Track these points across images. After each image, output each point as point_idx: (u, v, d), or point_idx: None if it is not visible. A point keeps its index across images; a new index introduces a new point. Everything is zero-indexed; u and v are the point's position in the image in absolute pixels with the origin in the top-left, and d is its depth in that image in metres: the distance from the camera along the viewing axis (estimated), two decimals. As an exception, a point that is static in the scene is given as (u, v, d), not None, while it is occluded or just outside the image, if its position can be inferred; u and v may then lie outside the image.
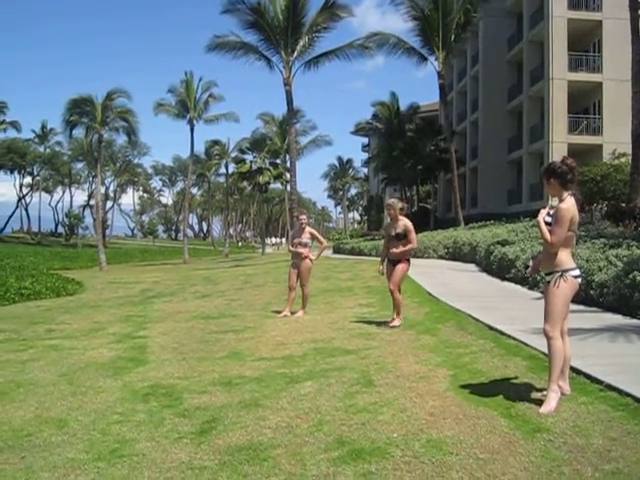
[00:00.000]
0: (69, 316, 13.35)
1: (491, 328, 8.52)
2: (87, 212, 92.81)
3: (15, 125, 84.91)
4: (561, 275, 5.15)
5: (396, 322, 9.45)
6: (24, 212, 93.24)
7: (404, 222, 9.49)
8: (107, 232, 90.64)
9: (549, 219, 5.20)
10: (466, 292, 13.30)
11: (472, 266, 19.93)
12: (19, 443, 5.02)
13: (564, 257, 5.18)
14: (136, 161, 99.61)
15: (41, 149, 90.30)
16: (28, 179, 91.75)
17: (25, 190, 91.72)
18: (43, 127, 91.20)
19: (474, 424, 4.77)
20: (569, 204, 5.13)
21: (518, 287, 14.01)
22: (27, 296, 19.55)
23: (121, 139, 61.87)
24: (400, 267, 9.53)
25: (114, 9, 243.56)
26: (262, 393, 6.03)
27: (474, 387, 5.76)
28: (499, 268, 16.22)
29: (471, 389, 5.71)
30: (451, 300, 11.56)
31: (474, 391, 5.63)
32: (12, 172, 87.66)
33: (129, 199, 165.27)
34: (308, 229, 11.58)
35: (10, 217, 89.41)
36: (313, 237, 11.63)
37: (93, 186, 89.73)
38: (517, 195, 40.54)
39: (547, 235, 5.14)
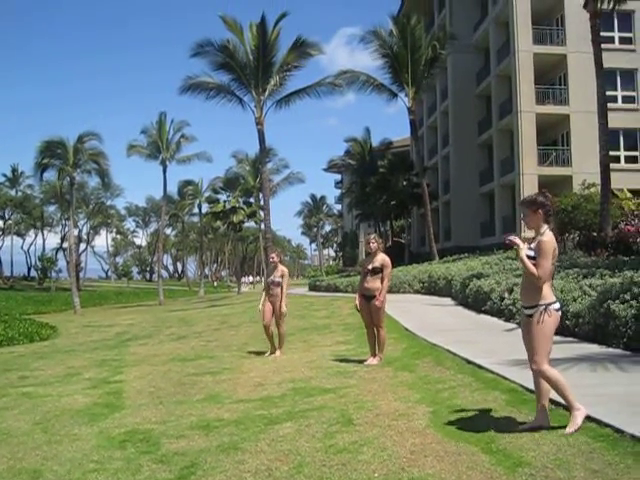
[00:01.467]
0: (43, 362, 13.15)
1: (469, 362, 8.52)
2: (60, 255, 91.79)
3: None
4: (545, 309, 5.17)
5: (375, 360, 9.43)
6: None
7: (382, 257, 9.48)
8: (81, 275, 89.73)
9: (531, 253, 5.24)
10: (443, 326, 13.32)
11: (448, 300, 19.97)
12: (-9, 496, 4.91)
13: (546, 290, 5.21)
14: (109, 203, 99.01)
15: (12, 192, 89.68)
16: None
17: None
18: (14, 170, 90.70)
19: (455, 461, 4.74)
20: (550, 237, 5.22)
21: (494, 319, 14.05)
22: (0, 342, 19.25)
23: (93, 181, 61.85)
24: (377, 304, 9.43)
25: (84, 52, 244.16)
26: (241, 436, 5.95)
27: (454, 423, 5.74)
28: (475, 301, 16.28)
29: (451, 425, 5.68)
30: (428, 335, 11.56)
31: (454, 427, 5.61)
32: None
33: (102, 241, 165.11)
34: (280, 267, 11.46)
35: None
36: (283, 276, 11.43)
37: (66, 229, 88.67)
38: (490, 228, 40.84)
39: (533, 269, 5.16)
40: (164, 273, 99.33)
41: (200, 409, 7.19)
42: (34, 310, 41.24)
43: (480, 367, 8.07)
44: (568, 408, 5.31)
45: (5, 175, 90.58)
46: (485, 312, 15.12)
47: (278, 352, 11.25)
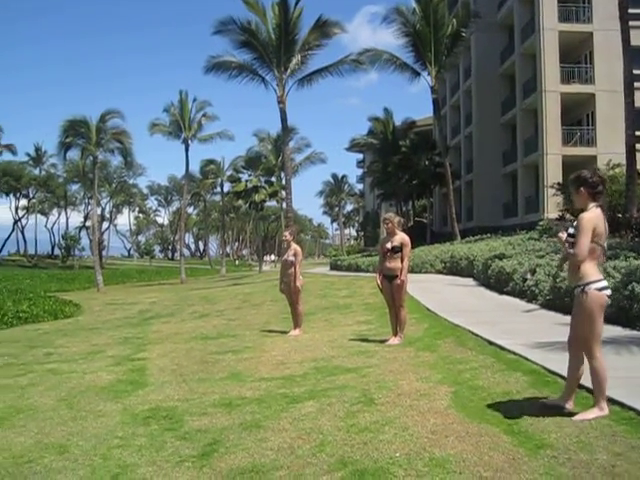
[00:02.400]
0: (67, 339, 13.31)
1: (491, 343, 8.50)
2: (83, 233, 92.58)
3: (10, 148, 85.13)
4: (583, 289, 5.03)
5: (396, 340, 9.43)
6: (20, 235, 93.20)
7: (401, 236, 9.43)
8: (104, 253, 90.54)
9: (572, 230, 5.10)
10: (465, 307, 13.29)
11: (470, 280, 19.91)
12: (19, 470, 4.98)
13: (588, 269, 5.04)
14: (131, 181, 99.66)
15: (36, 171, 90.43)
16: (24, 202, 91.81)
17: (21, 213, 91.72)
18: (37, 150, 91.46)
19: (477, 441, 4.75)
20: (592, 214, 5.02)
21: (516, 300, 13.99)
22: (25, 319, 19.52)
23: (116, 160, 62.02)
24: (398, 283, 9.41)
25: (107, 30, 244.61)
26: (263, 414, 6.00)
27: (476, 404, 5.74)
28: (497, 282, 16.22)
29: (473, 406, 5.68)
30: (450, 315, 11.54)
31: (476, 408, 5.61)
32: (7, 195, 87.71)
33: (125, 220, 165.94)
34: (293, 246, 11.45)
35: (6, 240, 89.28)
36: (296, 254, 11.40)
37: (89, 207, 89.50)
38: (513, 208, 40.58)
39: (568, 249, 5.07)
40: (186, 252, 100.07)
41: (222, 387, 7.25)
42: (58, 288, 41.57)
43: (502, 348, 8.05)
44: (593, 394, 5.26)
45: (29, 154, 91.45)
46: (507, 293, 15.06)
47: (297, 330, 11.30)
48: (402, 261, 9.40)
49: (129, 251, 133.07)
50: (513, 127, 41.84)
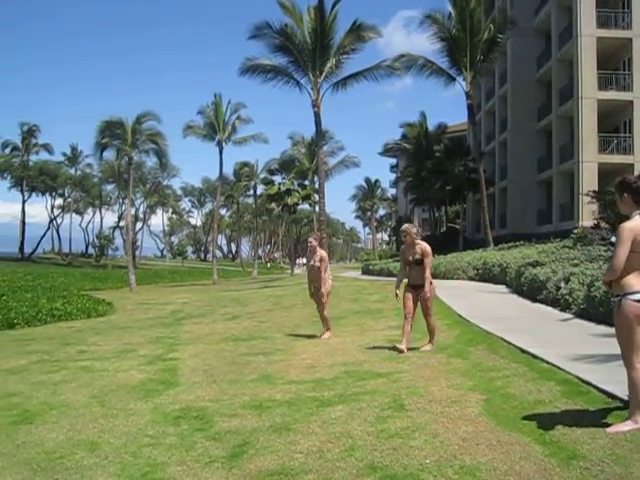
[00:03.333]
0: (100, 337, 13.45)
1: (523, 351, 8.41)
2: (117, 233, 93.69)
3: (47, 148, 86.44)
4: (620, 300, 4.87)
5: (427, 347, 9.36)
6: (55, 233, 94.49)
7: (421, 246, 9.25)
8: (137, 253, 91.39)
9: (614, 239, 4.93)
10: (497, 314, 13.17)
11: (502, 287, 19.75)
12: (52, 465, 5.05)
13: (629, 280, 4.85)
14: (165, 183, 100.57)
15: (72, 171, 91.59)
16: (59, 201, 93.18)
17: (56, 212, 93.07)
18: (73, 149, 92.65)
19: (508, 450, 4.70)
20: (633, 224, 4.82)
21: (550, 309, 13.84)
22: (58, 317, 19.75)
23: (151, 161, 62.56)
24: (427, 292, 9.24)
25: (145, 27, 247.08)
26: (293, 417, 6.00)
27: (507, 412, 5.68)
28: (530, 289, 16.06)
29: (504, 414, 5.63)
30: (482, 322, 11.45)
31: (507, 416, 5.55)
32: (44, 194, 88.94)
33: (158, 220, 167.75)
34: (319, 252, 11.38)
35: (42, 238, 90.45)
36: (322, 260, 11.35)
37: (123, 207, 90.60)
38: (547, 215, 40.16)
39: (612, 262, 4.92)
40: (218, 253, 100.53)
41: (253, 389, 7.27)
42: (91, 286, 42.01)
43: (535, 357, 7.96)
44: (628, 406, 5.14)
45: (65, 154, 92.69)
46: (540, 301, 14.91)
47: (327, 334, 11.31)
48: (425, 270, 9.26)
49: (162, 252, 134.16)
50: (549, 133, 41.41)
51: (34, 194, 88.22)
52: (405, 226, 9.57)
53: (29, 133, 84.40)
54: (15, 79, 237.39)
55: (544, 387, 6.45)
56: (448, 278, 25.51)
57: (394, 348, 9.21)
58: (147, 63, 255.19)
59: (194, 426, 5.91)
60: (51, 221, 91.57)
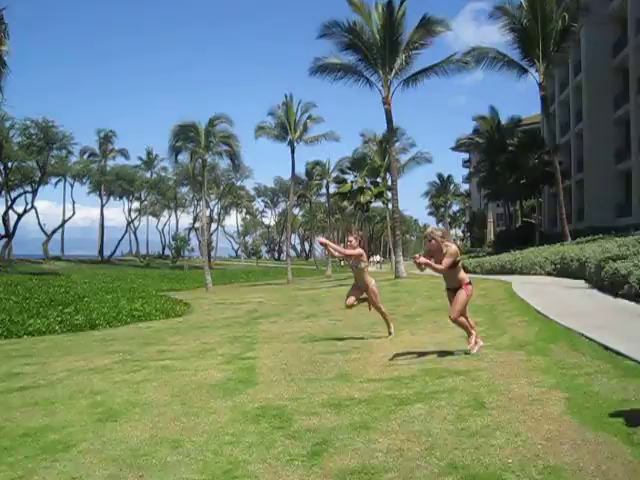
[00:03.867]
0: (179, 337, 13.72)
1: (606, 348, 8.17)
2: (192, 234, 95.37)
3: (123, 153, 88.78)
4: None
5: (475, 347, 8.87)
6: (133, 236, 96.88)
7: (449, 251, 8.52)
8: (212, 254, 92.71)
9: None
10: (577, 310, 12.86)
11: (581, 282, 19.26)
12: (137, 462, 5.18)
13: None
14: (239, 184, 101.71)
15: (148, 175, 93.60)
16: (136, 204, 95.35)
17: (133, 214, 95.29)
18: (149, 153, 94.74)
19: (593, 450, 4.58)
20: None
21: (632, 304, 13.41)
22: (138, 317, 20.24)
23: (224, 163, 63.31)
24: (461, 294, 8.74)
25: (209, 41, 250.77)
26: (372, 415, 6.00)
27: (591, 411, 5.53)
28: (611, 284, 15.63)
29: (588, 413, 5.48)
30: (561, 318, 11.18)
31: (592, 415, 5.41)
32: (121, 198, 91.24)
33: (232, 221, 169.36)
34: (357, 250, 11.10)
35: (120, 241, 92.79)
36: (360, 258, 11.12)
37: (198, 209, 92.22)
38: (626, 208, 39.06)
39: None
40: (292, 252, 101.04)
41: (331, 387, 7.29)
42: (168, 287, 42.87)
43: (618, 354, 7.73)
44: None
45: (141, 158, 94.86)
46: (622, 296, 14.47)
47: (391, 329, 11.32)
48: (459, 271, 8.76)
49: (236, 252, 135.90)
50: (627, 123, 40.25)
51: (112, 198, 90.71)
52: (429, 230, 8.98)
53: (106, 139, 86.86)
54: (92, 87, 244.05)
55: (630, 385, 6.26)
56: (525, 274, 25.07)
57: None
58: (217, 63, 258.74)
59: (274, 424, 5.96)
60: (128, 224, 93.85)
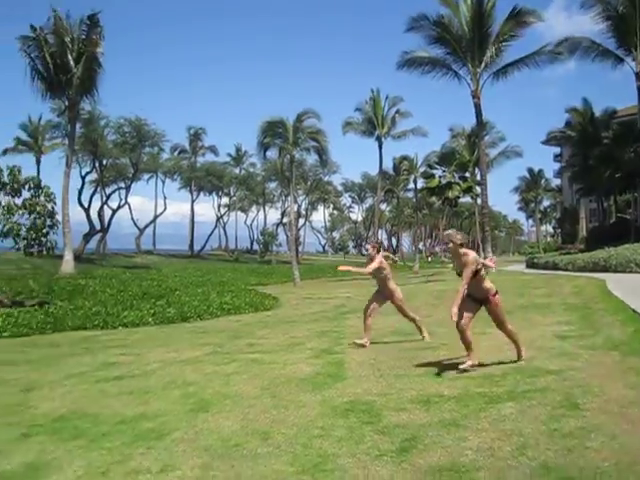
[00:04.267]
0: (268, 331, 13.90)
1: None
2: (280, 229, 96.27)
3: (213, 149, 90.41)
4: None
5: (468, 363, 7.98)
6: (222, 231, 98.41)
7: (465, 257, 7.78)
8: (299, 248, 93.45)
9: None
10: (676, 309, 12.38)
11: (682, 280, 18.56)
12: (228, 452, 5.30)
13: None
14: (326, 179, 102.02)
15: (237, 171, 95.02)
16: (225, 199, 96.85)
17: (223, 210, 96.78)
18: (238, 150, 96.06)
19: (696, 456, 4.43)
20: None
21: None
22: (228, 311, 20.58)
23: (312, 158, 63.68)
24: (493, 308, 8.04)
25: (300, 32, 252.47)
26: (461, 412, 5.95)
27: (694, 414, 5.35)
28: None
29: (692, 416, 5.30)
30: (660, 318, 10.81)
31: (695, 419, 5.23)
32: (211, 193, 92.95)
33: (320, 216, 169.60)
34: (377, 259, 10.53)
35: (209, 236, 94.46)
36: (380, 267, 10.50)
37: (286, 204, 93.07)
38: None
39: None
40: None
41: (420, 383, 7.26)
42: (257, 281, 43.34)
43: None
44: None
45: (230, 154, 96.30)
46: None
47: (426, 334, 11.00)
48: (482, 280, 7.92)
49: (324, 247, 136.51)
50: None
51: (202, 194, 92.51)
52: (448, 232, 8.25)
53: (196, 136, 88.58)
54: (183, 86, 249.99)
55: None
56: (619, 271, 24.31)
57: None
58: (307, 67, 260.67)
59: (362, 419, 5.99)
60: (218, 219, 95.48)
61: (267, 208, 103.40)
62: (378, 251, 10.79)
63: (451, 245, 7.91)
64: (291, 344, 11.24)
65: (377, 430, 5.62)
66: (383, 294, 10.84)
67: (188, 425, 6.17)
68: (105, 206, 66.87)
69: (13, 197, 19.89)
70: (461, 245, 7.88)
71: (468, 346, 8.04)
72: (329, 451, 5.18)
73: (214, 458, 5.19)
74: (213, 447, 5.46)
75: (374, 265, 10.42)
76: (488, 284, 7.96)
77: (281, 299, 25.76)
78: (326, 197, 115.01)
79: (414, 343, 10.46)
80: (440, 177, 56.63)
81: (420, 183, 68.51)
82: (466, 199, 65.03)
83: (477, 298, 7.99)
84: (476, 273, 7.77)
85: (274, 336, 12.72)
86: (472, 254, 7.81)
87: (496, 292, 8.02)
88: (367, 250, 10.95)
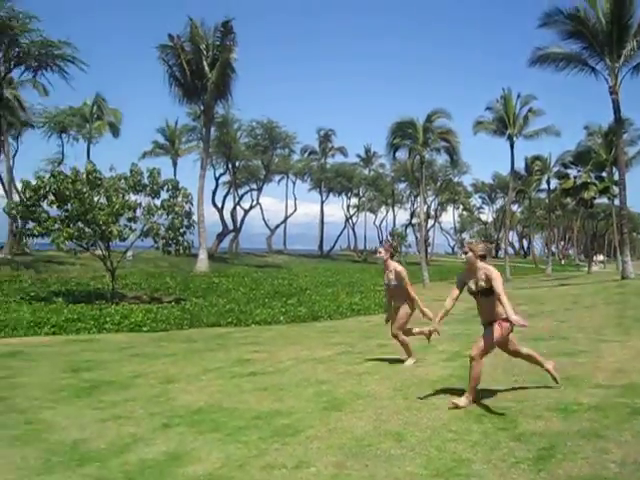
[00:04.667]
0: (398, 332, 13.84)
1: None
2: (409, 230, 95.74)
3: (342, 150, 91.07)
4: None
5: (463, 401, 6.68)
6: (351, 231, 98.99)
7: (485, 270, 6.73)
8: (429, 250, 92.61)
9: None
10: None
11: None
12: (361, 452, 5.34)
13: None
14: (456, 180, 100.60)
15: (366, 171, 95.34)
16: (354, 200, 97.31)
17: (352, 211, 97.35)
18: (367, 151, 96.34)
19: None
20: None
21: None
22: (357, 311, 20.71)
23: (441, 159, 62.97)
24: (496, 330, 6.70)
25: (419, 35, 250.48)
26: (602, 423, 5.73)
27: None
28: None
29: None
30: None
31: None
32: (340, 194, 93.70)
33: (449, 217, 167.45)
34: (392, 265, 9.30)
35: (339, 236, 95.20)
36: (398, 277, 9.26)
37: (415, 205, 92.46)
38: None
39: None
40: (510, 250, 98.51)
41: (557, 391, 7.04)
42: (385, 282, 43.31)
43: None
44: None
45: (359, 155, 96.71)
46: None
47: (410, 360, 9.59)
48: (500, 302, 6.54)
49: (453, 248, 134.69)
50: None
51: (331, 194, 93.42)
52: (469, 240, 7.14)
53: (325, 137, 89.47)
54: (313, 88, 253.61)
55: None
56: None
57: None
58: (430, 58, 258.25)
59: (497, 425, 5.88)
60: (347, 220, 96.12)
61: (396, 209, 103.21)
62: (392, 256, 9.57)
63: (470, 254, 6.80)
64: (422, 346, 11.13)
65: (513, 437, 5.51)
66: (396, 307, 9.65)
67: (321, 423, 6.25)
68: (237, 207, 68.74)
69: (153, 198, 20.81)
70: (482, 257, 6.81)
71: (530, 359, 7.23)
72: (463, 456, 5.13)
73: (348, 457, 5.23)
74: (347, 446, 5.51)
75: (400, 268, 9.31)
76: (501, 308, 6.57)
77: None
78: (456, 198, 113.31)
79: (551, 348, 10.13)
80: (575, 177, 54.74)
81: (553, 183, 66.43)
82: (602, 200, 62.50)
83: (485, 322, 6.86)
84: (486, 295, 6.68)
85: (404, 337, 12.66)
86: (495, 271, 6.69)
87: (507, 319, 6.53)
88: (379, 253, 9.66)
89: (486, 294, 6.66)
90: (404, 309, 9.54)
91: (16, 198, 34.36)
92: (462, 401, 6.59)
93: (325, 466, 5.06)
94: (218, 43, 41.72)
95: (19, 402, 7.54)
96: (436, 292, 33.32)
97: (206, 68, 41.19)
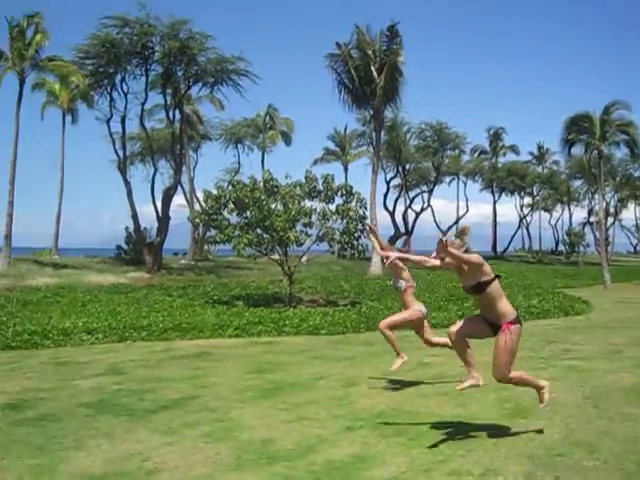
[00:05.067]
0: (581, 336, 13.31)
1: None
2: (587, 229, 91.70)
3: (514, 149, 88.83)
4: None
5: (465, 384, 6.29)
6: (525, 231, 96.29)
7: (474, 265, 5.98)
8: (609, 249, 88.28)
9: None
10: None
11: None
12: (551, 462, 5.18)
13: None
14: (637, 174, 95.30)
15: (539, 169, 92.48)
16: (528, 199, 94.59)
17: (525, 210, 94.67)
18: (540, 148, 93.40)
19: None
20: None
21: None
22: (536, 314, 20.10)
23: (620, 153, 59.85)
24: (501, 342, 5.87)
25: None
26: None
27: None
28: None
29: None
30: None
31: None
32: (512, 193, 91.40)
33: (631, 214, 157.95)
34: (398, 266, 8.31)
35: (513, 237, 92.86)
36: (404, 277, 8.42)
37: (593, 203, 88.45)
38: None
39: None
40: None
41: None
42: (563, 284, 41.54)
43: None
44: None
45: (532, 153, 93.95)
46: None
47: (398, 361, 8.72)
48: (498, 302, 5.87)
49: (635, 247, 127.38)
50: None
51: (503, 194, 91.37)
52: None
53: (496, 136, 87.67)
54: (482, 87, 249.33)
55: None
56: None
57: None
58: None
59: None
60: (521, 220, 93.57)
61: (572, 207, 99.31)
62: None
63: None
64: (610, 351, 10.67)
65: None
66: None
67: (507, 430, 6.11)
68: (409, 209, 68.81)
69: (327, 203, 21.29)
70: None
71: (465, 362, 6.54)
72: None
73: (537, 466, 5.09)
74: (535, 455, 5.36)
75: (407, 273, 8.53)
76: (506, 307, 5.91)
77: (592, 303, 24.55)
78: (637, 194, 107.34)
79: None
80: None
81: None
82: None
83: (491, 322, 5.97)
84: (484, 286, 5.85)
85: (588, 342, 12.15)
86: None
87: (516, 320, 5.92)
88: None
89: (477, 290, 5.89)
90: (415, 313, 8.72)
91: (197, 207, 36.31)
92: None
93: (514, 475, 4.95)
94: (385, 48, 42.06)
95: (209, 401, 7.95)
96: (619, 294, 31.80)
97: (374, 73, 41.58)
